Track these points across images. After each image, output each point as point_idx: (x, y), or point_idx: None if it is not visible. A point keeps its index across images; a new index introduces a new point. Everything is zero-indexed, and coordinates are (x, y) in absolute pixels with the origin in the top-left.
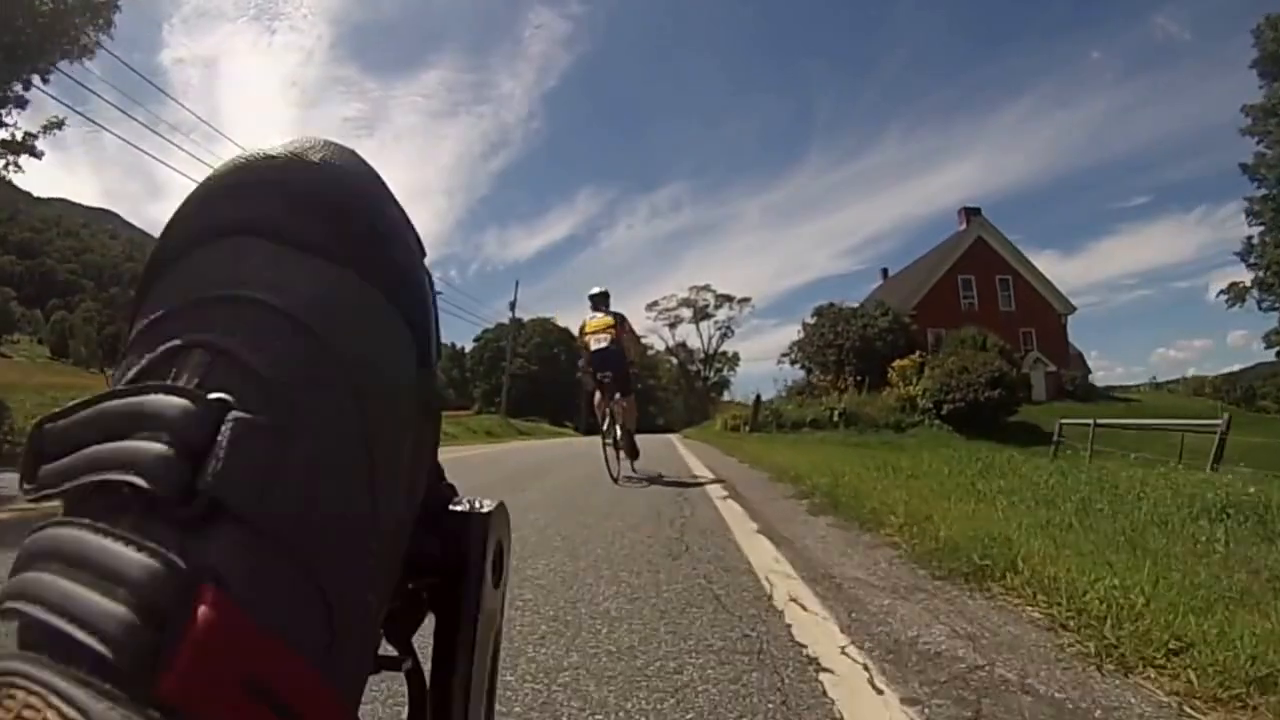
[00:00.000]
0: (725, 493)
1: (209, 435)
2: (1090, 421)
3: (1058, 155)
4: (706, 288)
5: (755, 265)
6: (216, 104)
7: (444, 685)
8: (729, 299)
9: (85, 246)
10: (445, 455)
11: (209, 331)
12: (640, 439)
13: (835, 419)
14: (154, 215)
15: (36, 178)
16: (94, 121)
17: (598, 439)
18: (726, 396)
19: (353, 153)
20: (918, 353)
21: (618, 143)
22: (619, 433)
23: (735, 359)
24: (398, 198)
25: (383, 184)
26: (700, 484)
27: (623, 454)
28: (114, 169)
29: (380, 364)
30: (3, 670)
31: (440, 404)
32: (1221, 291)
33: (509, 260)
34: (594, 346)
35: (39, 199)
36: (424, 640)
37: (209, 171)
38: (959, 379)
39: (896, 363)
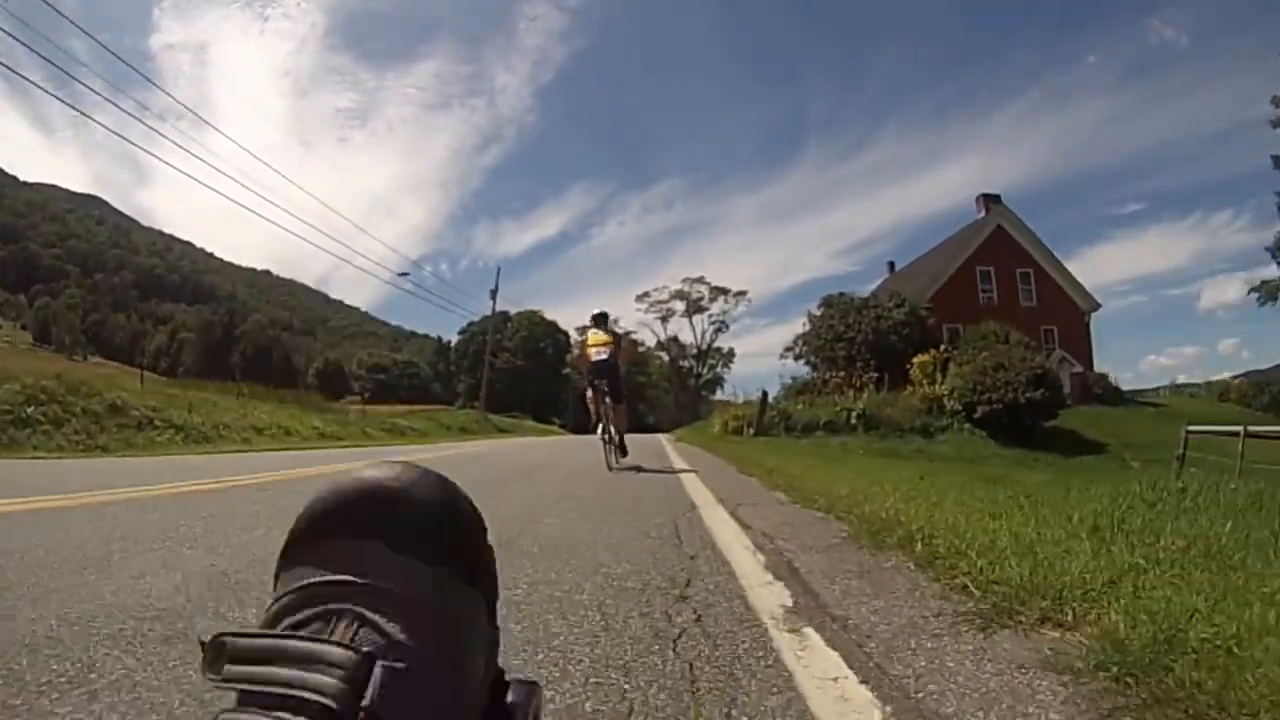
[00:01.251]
0: (789, 596)
1: (366, 675)
2: (1227, 429)
3: (1053, 159)
4: (701, 280)
5: (748, 264)
6: (207, 91)
7: None
8: (724, 291)
9: (70, 232)
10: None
11: (352, 602)
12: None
13: (852, 421)
14: (142, 202)
15: (24, 161)
16: (80, 110)
17: (588, 437)
18: (719, 395)
19: (445, 482)
20: (942, 347)
21: (611, 138)
22: (614, 432)
23: (730, 355)
24: (392, 192)
25: (467, 507)
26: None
27: (615, 450)
28: (103, 155)
29: (468, 627)
30: None
31: (498, 637)
32: (1252, 289)
33: (500, 255)
34: (595, 358)
35: (25, 183)
36: None
37: (337, 479)
38: (994, 377)
39: (918, 358)
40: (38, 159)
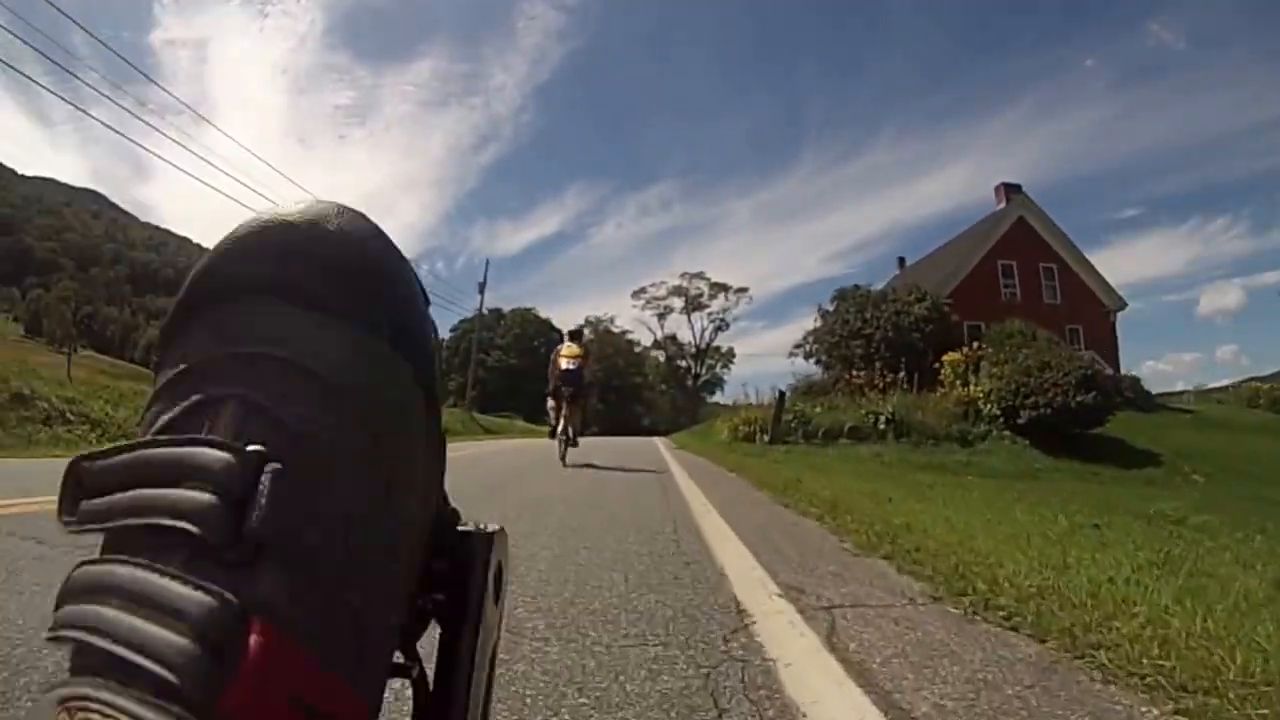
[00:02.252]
0: None
1: (250, 485)
2: None
3: (1050, 163)
4: (700, 275)
5: (745, 266)
6: (206, 87)
7: (446, 690)
8: (725, 288)
9: (66, 225)
10: None
11: (236, 385)
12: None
13: (881, 426)
14: (140, 197)
15: (22, 155)
16: (78, 107)
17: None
18: (717, 397)
19: (365, 218)
20: (975, 344)
21: (609, 139)
22: (571, 431)
23: (730, 355)
24: (389, 190)
25: (395, 249)
26: None
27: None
28: (101, 149)
29: (393, 412)
30: (73, 695)
31: (443, 438)
32: None
33: (497, 255)
34: (564, 366)
35: (23, 176)
36: (424, 646)
37: (228, 230)
38: (1039, 379)
39: (948, 357)
40: (36, 153)
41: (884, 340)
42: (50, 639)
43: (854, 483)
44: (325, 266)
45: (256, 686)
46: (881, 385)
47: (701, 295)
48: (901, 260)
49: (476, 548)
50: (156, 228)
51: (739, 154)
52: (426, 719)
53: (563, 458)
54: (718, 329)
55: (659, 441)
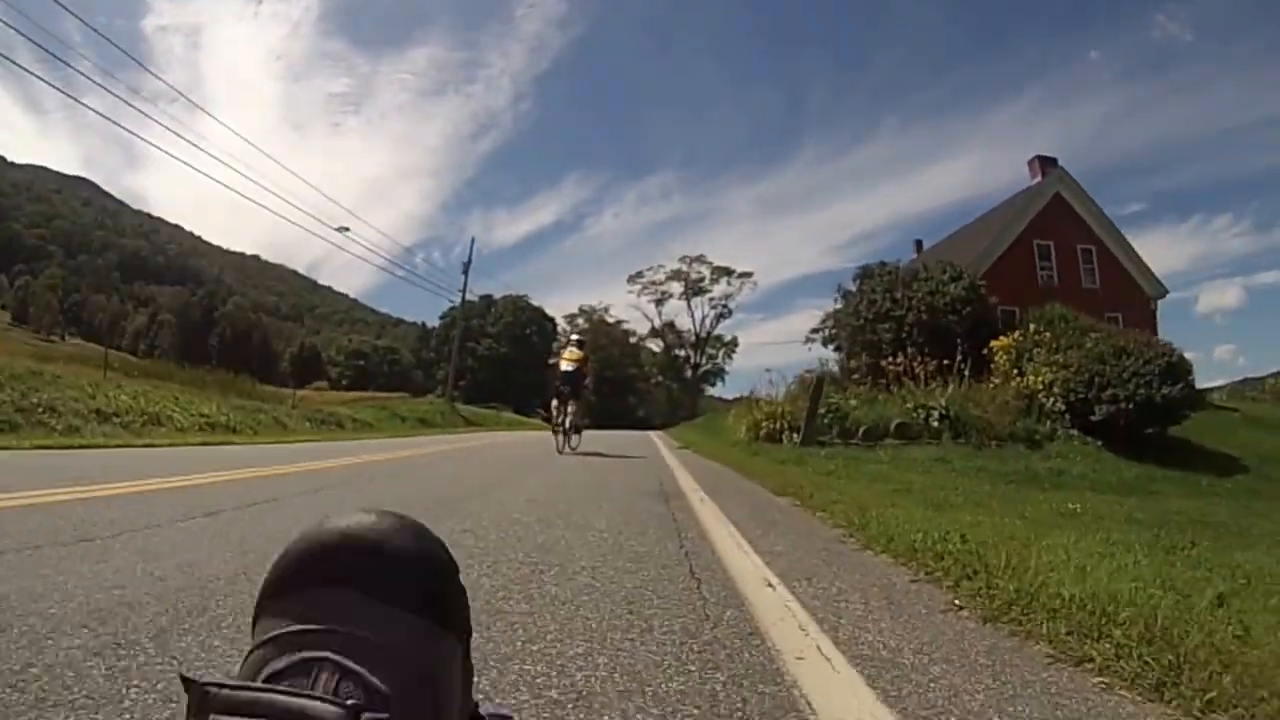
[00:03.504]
0: None
1: None
2: None
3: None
4: (701, 258)
5: (744, 257)
6: (200, 74)
7: None
8: (727, 272)
9: (56, 212)
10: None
11: (332, 651)
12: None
13: (935, 423)
14: (132, 185)
15: (13, 143)
16: (69, 95)
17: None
18: (717, 390)
19: (422, 531)
20: (1032, 328)
21: (607, 129)
22: (568, 423)
23: (733, 344)
24: (386, 179)
25: (442, 555)
26: None
27: (571, 436)
28: (94, 137)
29: (444, 670)
30: None
31: (471, 666)
32: None
33: (494, 244)
34: (563, 368)
35: (14, 164)
36: None
37: (317, 526)
38: (1115, 367)
39: (999, 342)
40: (28, 141)
41: (916, 323)
42: None
43: (979, 514)
44: (393, 571)
45: None
46: (923, 374)
47: (703, 280)
48: (919, 243)
49: None
50: (149, 215)
51: (739, 144)
52: None
53: (559, 449)
54: (719, 316)
55: (655, 438)
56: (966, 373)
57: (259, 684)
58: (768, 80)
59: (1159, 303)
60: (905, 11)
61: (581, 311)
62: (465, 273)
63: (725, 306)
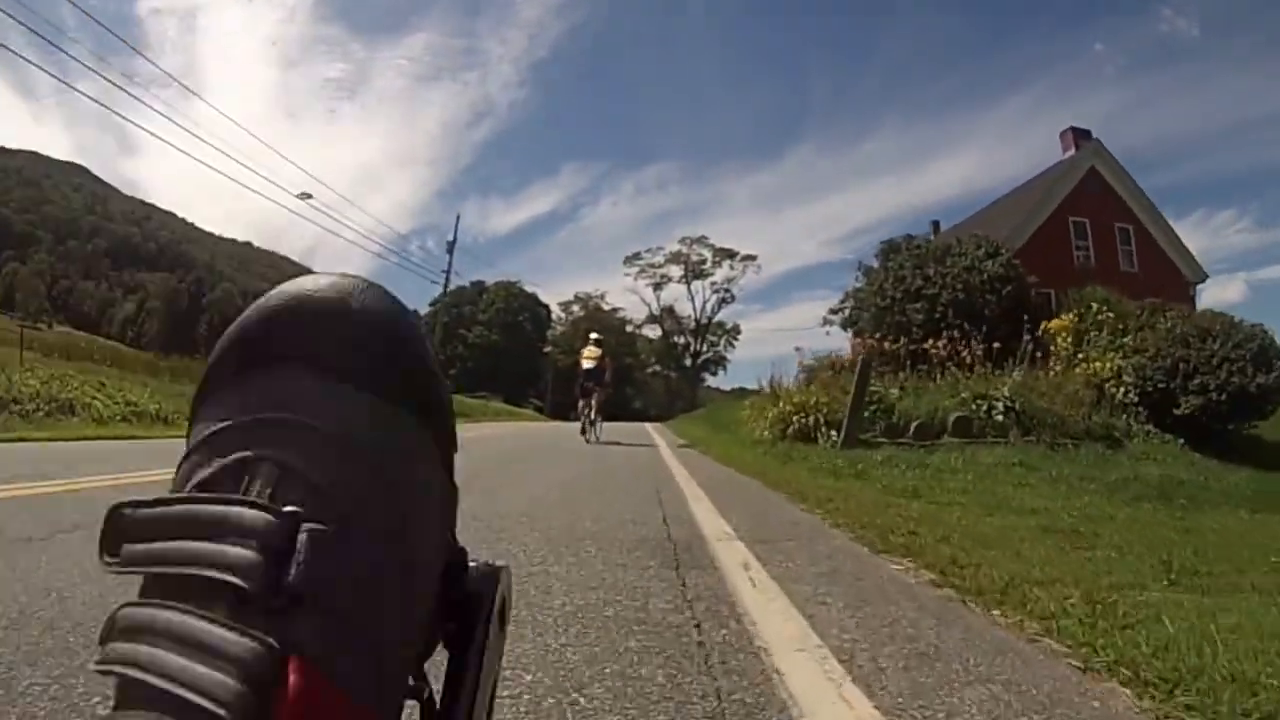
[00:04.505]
0: None
1: (288, 542)
2: None
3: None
4: (702, 240)
5: (743, 248)
6: (194, 59)
7: (452, 710)
8: (730, 254)
9: (46, 198)
10: None
11: (270, 448)
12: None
13: (999, 417)
14: (126, 171)
15: (7, 128)
16: (62, 80)
17: (572, 427)
18: (718, 380)
19: (387, 294)
20: (1094, 307)
21: (605, 117)
22: (593, 415)
23: (735, 331)
24: (382, 165)
25: (412, 322)
26: None
27: (596, 427)
28: (87, 123)
29: (416, 475)
30: None
31: (456, 492)
32: None
33: (490, 233)
34: (585, 365)
35: (6, 150)
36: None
37: (263, 296)
38: (1200, 352)
39: (1056, 322)
40: (20, 126)
41: (951, 303)
42: (100, 672)
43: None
44: (352, 341)
45: None
46: (970, 360)
47: (704, 263)
48: (936, 224)
49: (485, 583)
50: (141, 201)
51: (739, 135)
52: None
53: (585, 437)
54: (721, 301)
55: (653, 432)
56: (1024, 359)
57: (180, 495)
58: (769, 71)
59: (1198, 288)
60: (909, 4)
61: (577, 299)
62: (450, 253)
63: (727, 291)
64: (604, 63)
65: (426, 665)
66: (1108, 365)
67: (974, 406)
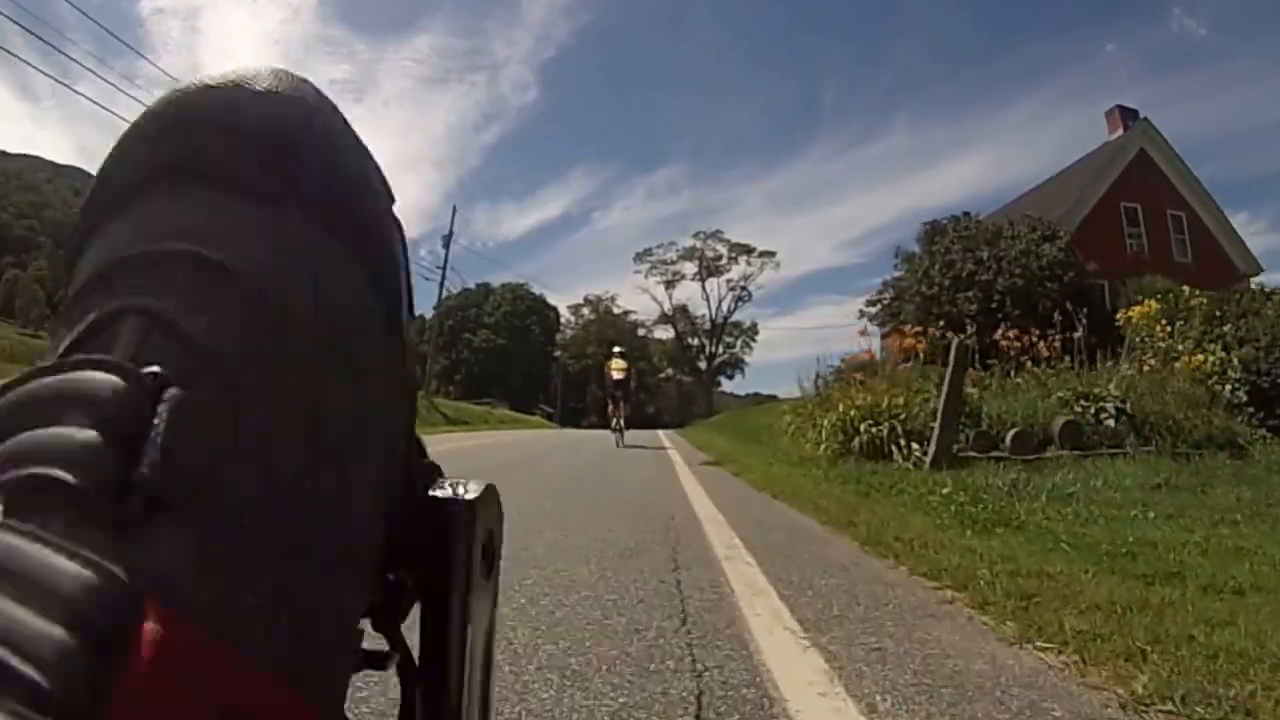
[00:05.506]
0: None
1: (144, 418)
2: None
3: (1070, 155)
4: (717, 234)
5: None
6: (197, 59)
7: (435, 682)
8: (747, 250)
9: (46, 202)
10: None
11: (143, 295)
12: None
13: (1110, 421)
14: None
15: (7, 130)
16: (63, 83)
17: (590, 435)
18: (735, 383)
19: (305, 81)
20: (1190, 291)
21: (616, 120)
22: (622, 423)
23: (753, 331)
24: (388, 168)
25: (339, 116)
26: None
27: (623, 434)
28: (89, 125)
29: (340, 328)
30: None
31: (413, 377)
32: None
33: (499, 237)
34: (615, 377)
35: (6, 154)
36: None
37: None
38: None
39: (1139, 309)
40: (20, 129)
41: (1009, 290)
42: None
43: None
44: (249, 139)
45: (152, 690)
46: (1048, 353)
47: (720, 259)
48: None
49: (457, 514)
50: None
51: (751, 137)
52: (413, 717)
53: (617, 443)
54: (738, 300)
55: (665, 442)
56: (1081, 352)
57: (26, 372)
58: (780, 72)
59: (1253, 282)
60: (918, 5)
61: (587, 302)
62: (446, 248)
63: (744, 289)
64: (613, 64)
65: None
66: (1210, 359)
67: (1079, 409)
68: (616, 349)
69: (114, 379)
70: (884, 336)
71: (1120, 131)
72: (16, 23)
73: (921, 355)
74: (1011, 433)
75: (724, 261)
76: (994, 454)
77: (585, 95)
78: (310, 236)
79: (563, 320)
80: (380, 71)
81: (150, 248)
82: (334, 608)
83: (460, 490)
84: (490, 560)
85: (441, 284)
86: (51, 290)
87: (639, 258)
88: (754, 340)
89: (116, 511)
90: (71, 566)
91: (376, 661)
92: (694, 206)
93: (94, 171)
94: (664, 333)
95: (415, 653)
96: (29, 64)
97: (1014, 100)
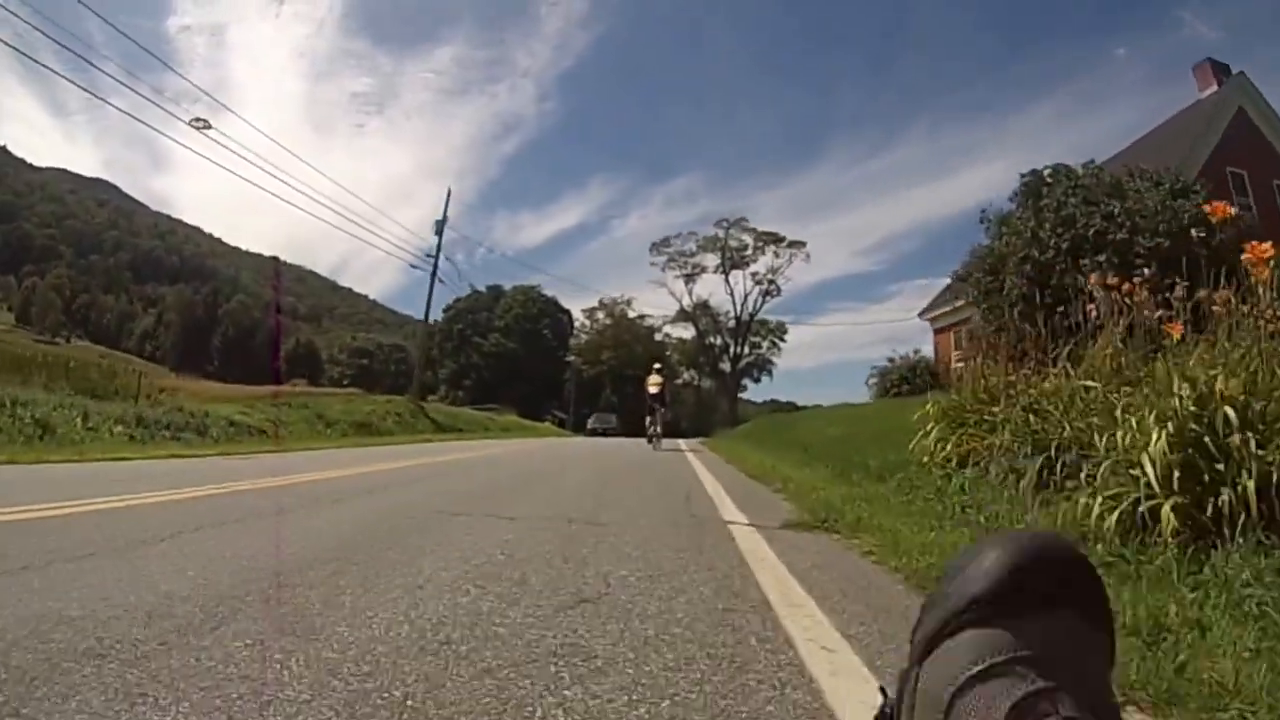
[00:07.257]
0: None
1: None
2: None
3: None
4: (741, 222)
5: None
6: (224, 75)
7: None
8: (775, 239)
9: (69, 212)
10: None
11: (1061, 679)
12: None
13: None
14: (154, 187)
15: (37, 144)
16: (93, 93)
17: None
18: (761, 387)
19: (1069, 539)
20: None
21: (632, 130)
22: (658, 430)
23: (781, 330)
24: (410, 179)
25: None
26: None
27: (658, 440)
28: (116, 139)
29: (1102, 680)
30: None
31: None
32: None
33: (518, 246)
34: (652, 391)
35: (34, 167)
36: None
37: (1008, 538)
38: None
39: None
40: (50, 143)
41: (1152, 253)
42: None
43: None
44: (1095, 588)
45: None
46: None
47: (745, 250)
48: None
49: None
50: (168, 216)
51: (766, 146)
52: None
53: (654, 448)
54: (765, 294)
55: (694, 461)
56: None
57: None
58: (797, 82)
59: None
60: (935, 12)
61: (601, 305)
62: (439, 233)
63: (772, 283)
64: (629, 74)
65: None
66: None
67: None
68: (655, 365)
69: None
70: (937, 333)
71: (1214, 88)
72: (51, 38)
73: (1007, 351)
74: None
75: (749, 252)
76: None
77: (603, 106)
78: (1102, 643)
79: (577, 324)
80: (402, 83)
81: (1060, 653)
82: None
83: None
84: None
85: (434, 272)
86: (71, 299)
87: (655, 248)
88: (783, 340)
89: None
90: None
91: None
92: (710, 214)
93: (121, 185)
94: (683, 331)
95: None
96: (64, 77)
97: (1028, 107)
